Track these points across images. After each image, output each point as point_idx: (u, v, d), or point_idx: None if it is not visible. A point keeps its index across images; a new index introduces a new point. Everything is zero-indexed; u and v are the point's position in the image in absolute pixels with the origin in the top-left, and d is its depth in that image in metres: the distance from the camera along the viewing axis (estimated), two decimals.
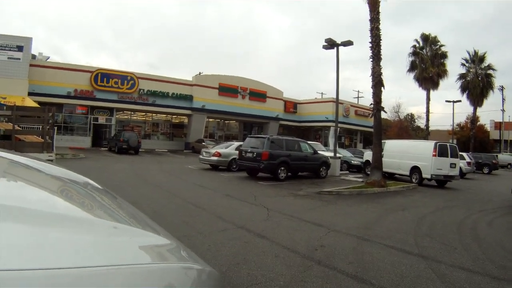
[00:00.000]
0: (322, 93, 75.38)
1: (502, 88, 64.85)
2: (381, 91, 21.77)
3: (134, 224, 1.65)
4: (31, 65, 36.73)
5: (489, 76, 57.97)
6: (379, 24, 21.89)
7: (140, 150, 38.33)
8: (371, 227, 10.42)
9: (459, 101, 55.24)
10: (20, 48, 34.79)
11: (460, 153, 27.95)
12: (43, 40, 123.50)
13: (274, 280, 5.90)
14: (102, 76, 42.36)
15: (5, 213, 1.14)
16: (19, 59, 34.82)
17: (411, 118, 75.03)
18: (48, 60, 44.63)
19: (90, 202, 1.92)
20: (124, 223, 1.60)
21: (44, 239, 1.05)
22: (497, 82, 60.15)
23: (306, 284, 5.87)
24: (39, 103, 28.07)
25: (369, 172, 23.41)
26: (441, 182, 24.13)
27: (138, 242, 1.29)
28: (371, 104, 22.23)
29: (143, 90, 44.72)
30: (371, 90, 22.10)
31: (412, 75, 54.65)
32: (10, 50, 34.39)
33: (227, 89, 51.09)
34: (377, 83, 21.61)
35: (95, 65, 45.77)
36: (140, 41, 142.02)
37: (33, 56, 40.50)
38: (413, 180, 23.84)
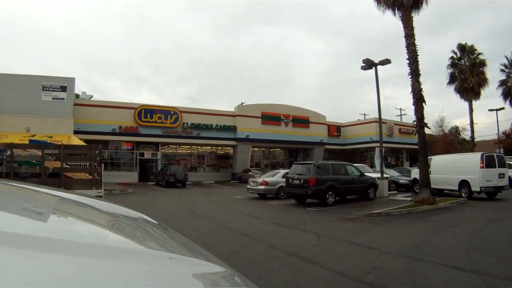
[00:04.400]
0: (364, 114, 74.85)
1: None
2: (423, 107, 21.67)
3: (188, 254, 1.73)
4: (75, 104, 37.82)
5: None
6: (415, 39, 21.88)
7: (187, 182, 38.79)
8: (422, 246, 10.38)
9: (502, 108, 53.67)
10: (63, 88, 35.85)
11: (508, 162, 27.37)
12: (83, 79, 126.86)
13: None
14: (146, 112, 43.28)
15: (55, 247, 1.16)
16: (63, 99, 35.88)
17: (455, 131, 73.52)
18: (91, 99, 45.97)
19: (142, 234, 1.98)
20: (177, 253, 1.66)
21: (95, 271, 1.07)
22: None
23: None
24: (85, 140, 28.83)
25: (417, 190, 23.19)
26: (491, 194, 23.56)
27: (193, 271, 1.35)
28: (414, 121, 22.19)
29: (187, 123, 45.41)
30: (412, 107, 22.04)
31: (452, 87, 53.37)
32: (54, 90, 35.42)
33: (270, 117, 51.36)
34: (418, 100, 21.53)
35: (136, 102, 46.91)
36: (178, 76, 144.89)
37: (77, 96, 41.65)
38: (463, 194, 23.43)
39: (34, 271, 0.97)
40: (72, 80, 36.97)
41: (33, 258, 1.05)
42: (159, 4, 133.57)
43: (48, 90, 35.40)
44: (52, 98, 35.47)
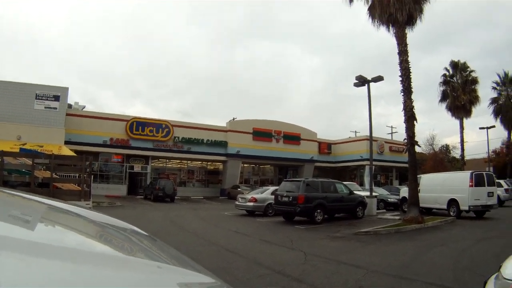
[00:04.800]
0: (355, 131, 75.01)
1: None
2: (414, 125, 21.78)
3: (177, 264, 1.70)
4: (67, 114, 37.60)
5: None
6: (408, 56, 22.06)
7: (176, 197, 38.59)
8: (409, 265, 10.35)
9: (493, 126, 53.83)
10: (57, 98, 35.61)
11: (498, 180, 27.51)
12: (76, 88, 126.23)
13: None
14: (137, 125, 43.18)
15: (45, 252, 1.15)
16: (56, 108, 35.63)
17: (446, 149, 73.71)
18: (83, 110, 45.82)
19: (130, 245, 1.96)
20: (166, 263, 1.63)
21: (83, 276, 1.06)
22: None
23: None
24: (75, 151, 28.72)
25: (406, 209, 23.18)
26: (480, 212, 23.68)
27: (181, 280, 1.33)
28: (405, 139, 22.23)
29: (178, 137, 45.31)
30: (404, 125, 22.15)
31: (444, 105, 53.69)
32: (47, 99, 35.20)
33: (261, 134, 51.32)
34: (410, 117, 21.63)
35: (129, 113, 46.87)
36: (172, 89, 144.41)
37: (69, 106, 41.53)
38: (451, 213, 23.42)
39: (24, 275, 0.96)
40: (65, 90, 36.76)
41: (22, 262, 1.05)
42: (158, 17, 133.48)
43: (41, 99, 35.19)
44: (45, 107, 35.25)
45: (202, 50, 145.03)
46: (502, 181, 34.68)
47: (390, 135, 73.27)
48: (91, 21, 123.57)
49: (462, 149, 54.53)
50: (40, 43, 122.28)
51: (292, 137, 54.12)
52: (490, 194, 23.37)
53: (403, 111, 21.96)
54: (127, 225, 2.50)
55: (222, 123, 52.28)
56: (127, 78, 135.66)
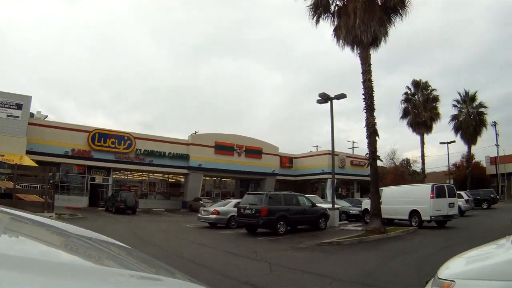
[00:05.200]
0: (317, 146, 75.70)
1: (495, 124, 64.91)
2: (376, 141, 22.09)
3: (147, 269, 1.68)
4: (29, 124, 36.56)
5: (481, 114, 58.64)
6: (371, 75, 22.39)
7: (137, 210, 38.02)
8: (374, 274, 10.43)
9: (453, 141, 55.35)
10: (19, 106, 34.66)
11: (458, 192, 28.18)
12: (37, 97, 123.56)
13: None
14: (100, 136, 42.31)
15: (6, 263, 1.10)
16: (18, 117, 34.59)
17: (406, 163, 75.07)
18: (46, 119, 44.76)
19: (97, 253, 1.92)
20: (136, 270, 1.61)
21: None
22: (489, 118, 60.86)
23: None
24: (36, 161, 28.12)
25: (368, 220, 23.46)
26: (441, 222, 24.19)
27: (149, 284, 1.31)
28: (367, 154, 22.47)
29: (140, 150, 44.69)
30: (365, 140, 22.48)
31: (405, 121, 55.10)
32: (9, 107, 34.26)
33: (223, 147, 51.16)
34: (372, 133, 21.93)
35: (91, 125, 45.69)
36: (136, 101, 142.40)
37: (31, 115, 40.31)
38: (413, 223, 23.81)
39: None
40: (28, 99, 35.81)
41: None
42: (121, 30, 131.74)
43: (4, 107, 34.18)
44: (7, 116, 34.22)
45: (165, 64, 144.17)
46: (462, 193, 35.62)
47: (351, 149, 74.34)
48: (54, 29, 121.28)
49: (423, 163, 55.96)
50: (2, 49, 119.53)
51: (254, 151, 54.26)
52: (451, 205, 23.99)
53: (365, 127, 22.28)
54: (88, 232, 2.51)
55: (184, 136, 52.15)
56: (89, 89, 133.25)
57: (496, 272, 4.38)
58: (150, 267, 1.75)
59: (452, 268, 4.99)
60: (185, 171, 48.45)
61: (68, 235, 2.23)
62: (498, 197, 49.81)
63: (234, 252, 14.85)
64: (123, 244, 2.34)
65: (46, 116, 46.96)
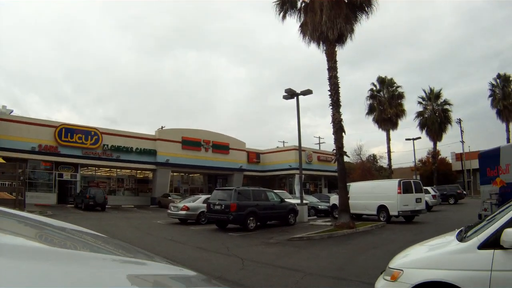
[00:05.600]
0: (283, 142, 76.25)
1: (459, 121, 66.08)
2: (342, 137, 22.31)
3: (124, 254, 1.73)
4: None
5: (446, 111, 59.64)
6: (337, 72, 22.59)
7: (107, 206, 37.70)
8: (345, 267, 10.63)
9: (419, 138, 55.73)
10: None
11: (425, 187, 28.72)
12: (1, 90, 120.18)
13: None
14: (66, 132, 41.55)
15: None
16: None
17: (373, 158, 76.08)
18: (11, 114, 43.82)
19: (72, 242, 1.92)
20: (113, 255, 1.66)
21: (32, 272, 1.04)
22: (454, 115, 61.96)
23: None
24: (2, 157, 27.61)
25: (337, 216, 23.74)
26: (409, 217, 24.58)
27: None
28: (334, 149, 22.63)
29: (107, 145, 44.19)
30: (332, 136, 22.67)
31: (371, 117, 55.74)
32: None
33: (190, 143, 51.06)
34: (338, 129, 22.14)
35: (56, 120, 44.83)
36: (99, 95, 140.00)
37: None
38: (381, 218, 24.25)
39: None
40: None
41: None
42: (84, 21, 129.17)
43: None
44: None
45: (128, 57, 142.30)
46: (429, 188, 36.57)
47: (318, 145, 74.91)
48: (16, 20, 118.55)
49: (389, 159, 56.80)
50: None
51: (221, 147, 54.36)
52: (418, 200, 24.47)
53: (331, 124, 22.48)
54: (61, 223, 2.61)
55: (150, 131, 51.84)
56: (54, 82, 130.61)
57: (439, 262, 5.02)
58: (129, 252, 1.81)
59: (402, 258, 5.73)
60: (152, 166, 48.28)
61: (48, 225, 2.29)
62: (464, 192, 51.16)
63: (206, 248, 14.87)
64: (100, 234, 2.38)
65: (12, 111, 45.82)
